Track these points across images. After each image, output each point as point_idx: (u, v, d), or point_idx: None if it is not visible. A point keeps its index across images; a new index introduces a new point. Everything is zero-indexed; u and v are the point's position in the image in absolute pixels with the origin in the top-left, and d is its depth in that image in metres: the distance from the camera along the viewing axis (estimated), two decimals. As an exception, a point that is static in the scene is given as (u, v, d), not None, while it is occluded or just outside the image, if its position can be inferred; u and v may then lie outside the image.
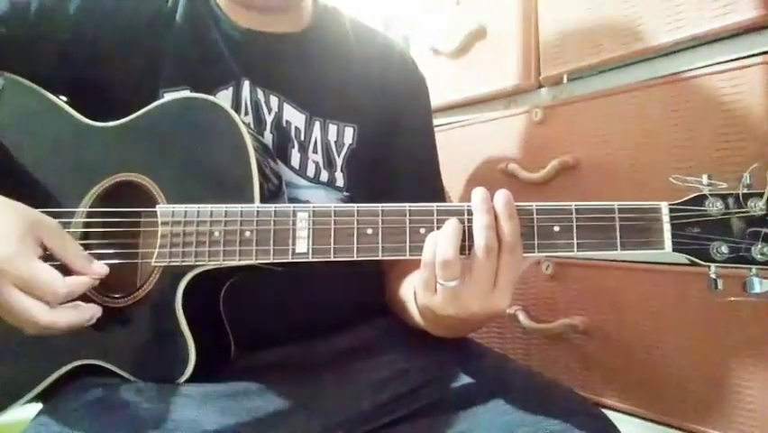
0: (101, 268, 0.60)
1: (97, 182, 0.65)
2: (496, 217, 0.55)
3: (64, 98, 0.70)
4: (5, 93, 0.69)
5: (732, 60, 0.69)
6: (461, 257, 0.54)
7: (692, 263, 0.55)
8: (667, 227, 0.55)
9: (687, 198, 0.55)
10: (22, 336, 0.62)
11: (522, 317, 0.91)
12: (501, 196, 0.55)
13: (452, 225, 0.55)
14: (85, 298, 0.60)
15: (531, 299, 0.93)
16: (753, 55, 0.67)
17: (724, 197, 0.54)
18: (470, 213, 0.56)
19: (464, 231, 0.56)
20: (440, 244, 0.54)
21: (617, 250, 0.55)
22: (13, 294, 0.53)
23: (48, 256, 0.57)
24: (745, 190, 0.53)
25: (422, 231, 0.57)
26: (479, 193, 0.56)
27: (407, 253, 0.56)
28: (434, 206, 0.57)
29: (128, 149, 0.66)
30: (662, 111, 0.75)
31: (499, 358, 0.69)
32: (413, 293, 0.63)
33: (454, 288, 0.54)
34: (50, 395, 0.62)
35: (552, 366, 0.89)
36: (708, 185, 0.54)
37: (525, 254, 0.56)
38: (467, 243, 0.55)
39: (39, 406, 0.62)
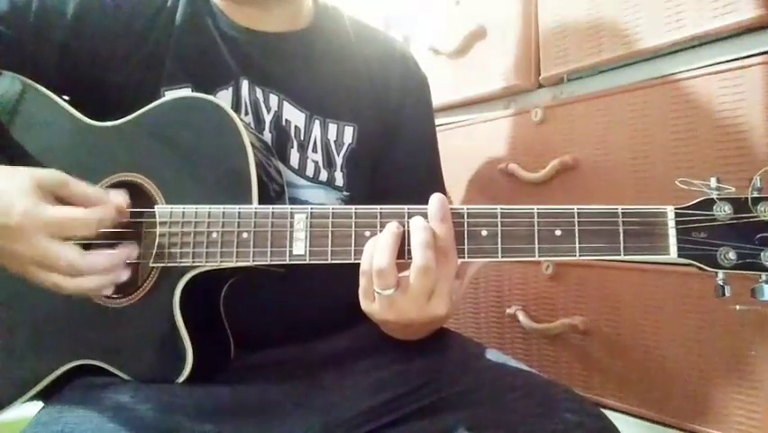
0: (118, 197, 0.60)
1: (97, 182, 0.65)
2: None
3: (66, 98, 0.70)
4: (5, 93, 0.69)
5: (732, 60, 0.69)
6: (400, 261, 0.54)
7: (699, 270, 0.53)
8: (672, 232, 0.53)
9: (694, 201, 0.53)
10: (22, 334, 0.62)
11: (522, 317, 0.91)
12: (433, 199, 0.55)
13: (389, 231, 0.55)
14: (86, 299, 0.61)
15: (531, 299, 0.92)
16: (753, 55, 0.67)
17: (732, 201, 0.52)
18: (410, 215, 0.56)
19: (404, 235, 0.55)
20: (376, 252, 0.54)
21: (620, 255, 0.54)
22: (45, 242, 0.53)
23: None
24: (755, 194, 0.51)
25: None
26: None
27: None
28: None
29: (127, 149, 0.66)
30: (662, 111, 0.74)
31: (499, 358, 0.69)
32: None
33: (390, 296, 0.54)
34: (50, 394, 0.62)
35: (552, 366, 0.89)
36: (716, 188, 0.52)
37: (523, 258, 0.55)
38: (407, 247, 0.55)
39: (39, 405, 0.63)
